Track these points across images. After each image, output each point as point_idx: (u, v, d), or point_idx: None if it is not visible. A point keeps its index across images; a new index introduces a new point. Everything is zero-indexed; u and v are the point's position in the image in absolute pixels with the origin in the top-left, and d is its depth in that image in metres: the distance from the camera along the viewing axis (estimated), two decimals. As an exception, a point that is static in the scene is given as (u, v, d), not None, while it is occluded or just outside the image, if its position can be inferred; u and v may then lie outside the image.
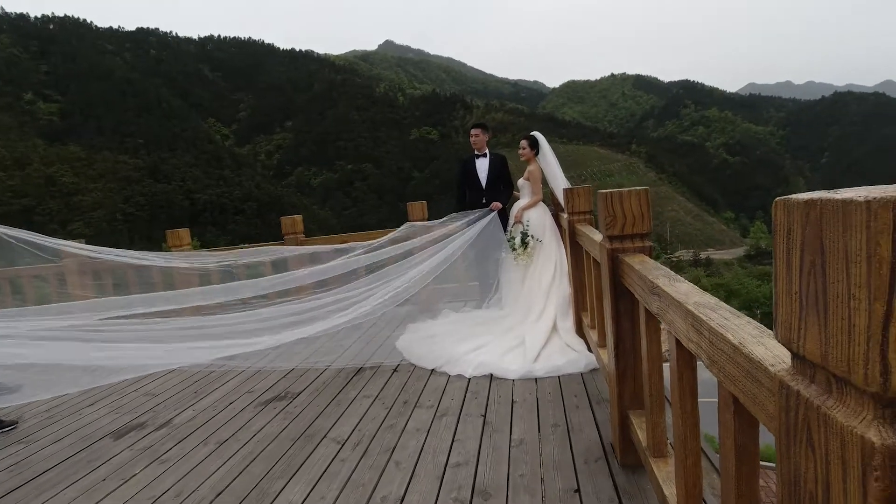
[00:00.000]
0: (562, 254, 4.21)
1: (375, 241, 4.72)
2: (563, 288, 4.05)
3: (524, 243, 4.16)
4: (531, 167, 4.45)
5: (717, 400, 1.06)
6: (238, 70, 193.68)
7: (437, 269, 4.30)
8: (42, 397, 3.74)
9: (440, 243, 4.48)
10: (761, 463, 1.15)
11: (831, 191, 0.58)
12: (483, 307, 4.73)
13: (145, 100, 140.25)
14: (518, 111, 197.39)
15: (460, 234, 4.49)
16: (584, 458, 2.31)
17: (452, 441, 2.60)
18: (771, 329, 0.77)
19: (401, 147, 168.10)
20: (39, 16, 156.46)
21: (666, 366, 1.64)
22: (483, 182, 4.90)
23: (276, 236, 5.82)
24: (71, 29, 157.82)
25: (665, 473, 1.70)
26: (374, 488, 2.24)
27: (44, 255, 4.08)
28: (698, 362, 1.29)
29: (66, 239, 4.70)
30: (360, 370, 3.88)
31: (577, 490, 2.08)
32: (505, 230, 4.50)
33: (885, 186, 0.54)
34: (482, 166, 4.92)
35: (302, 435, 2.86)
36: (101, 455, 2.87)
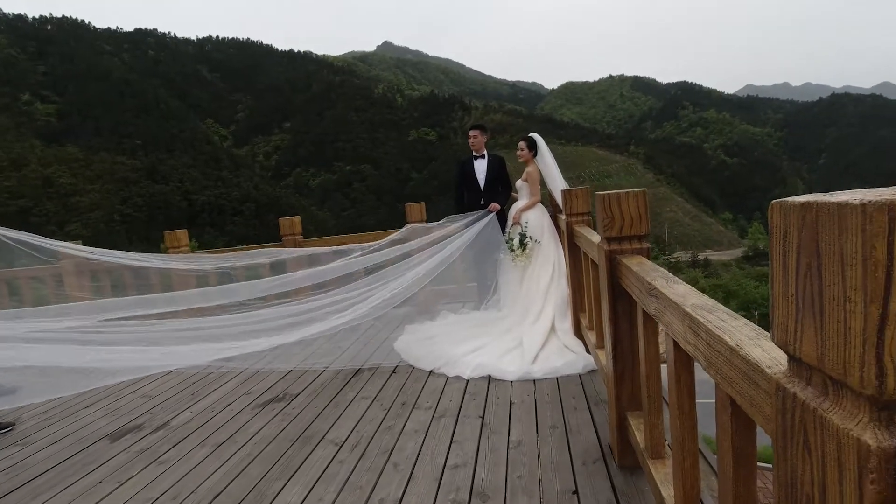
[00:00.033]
0: (560, 255, 4.20)
1: (375, 243, 4.73)
2: (562, 289, 4.05)
3: (522, 244, 4.16)
4: (529, 168, 4.45)
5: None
6: (236, 71, 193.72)
7: (436, 271, 4.30)
8: (39, 399, 3.72)
9: (438, 244, 4.48)
10: (759, 464, 1.15)
11: (827, 194, 0.58)
12: (481, 308, 4.73)
13: (143, 100, 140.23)
14: (516, 112, 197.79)
15: (458, 235, 4.49)
16: (582, 460, 2.31)
17: (451, 442, 2.60)
18: (768, 331, 0.77)
19: (399, 148, 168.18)
20: (37, 16, 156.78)
21: (664, 367, 1.64)
22: (481, 183, 4.89)
23: (274, 237, 5.82)
24: (69, 29, 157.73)
25: (663, 475, 1.70)
26: (373, 490, 2.23)
27: (41, 256, 4.06)
28: (696, 364, 1.29)
29: (64, 240, 4.69)
30: (358, 371, 3.87)
31: (576, 491, 2.08)
32: (503, 231, 4.50)
33: (880, 189, 0.54)
34: (480, 167, 4.92)
35: (300, 436, 2.85)
36: (98, 457, 2.86)
